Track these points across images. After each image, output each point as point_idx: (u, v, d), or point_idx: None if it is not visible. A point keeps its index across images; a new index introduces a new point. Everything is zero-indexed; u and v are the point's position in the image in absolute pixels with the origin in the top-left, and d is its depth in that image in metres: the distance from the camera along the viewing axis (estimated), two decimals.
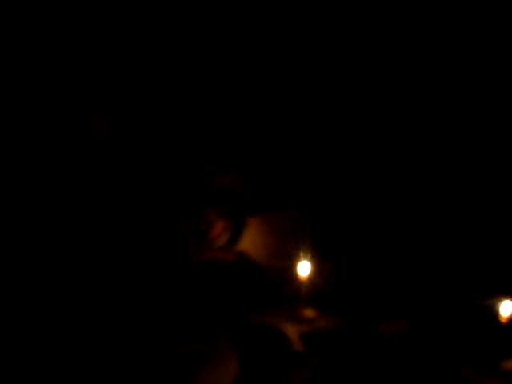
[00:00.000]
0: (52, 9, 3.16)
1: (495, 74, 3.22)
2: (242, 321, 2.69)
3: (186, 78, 3.41)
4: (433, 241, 3.10)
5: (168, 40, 3.38)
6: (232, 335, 2.59)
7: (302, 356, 2.52)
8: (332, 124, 3.47)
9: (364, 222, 3.24)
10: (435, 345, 2.54)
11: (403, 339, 2.57)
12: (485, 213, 3.14)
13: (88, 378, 2.29)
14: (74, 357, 2.38)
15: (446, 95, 3.31)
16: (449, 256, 3.02)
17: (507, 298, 2.53)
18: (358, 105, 3.45)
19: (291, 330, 2.62)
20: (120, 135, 3.25)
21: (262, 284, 2.96)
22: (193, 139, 3.41)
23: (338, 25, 3.40)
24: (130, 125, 3.29)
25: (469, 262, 2.96)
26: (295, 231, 3.19)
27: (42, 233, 2.95)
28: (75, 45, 3.22)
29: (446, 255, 3.02)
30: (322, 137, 3.47)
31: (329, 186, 3.37)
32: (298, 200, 3.32)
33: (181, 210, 3.21)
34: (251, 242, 3.22)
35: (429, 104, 3.35)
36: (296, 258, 2.87)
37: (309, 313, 2.75)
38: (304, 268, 2.82)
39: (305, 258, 2.84)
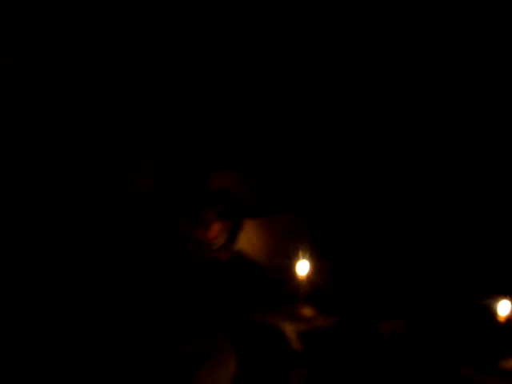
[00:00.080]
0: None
1: (495, 74, 3.23)
2: (241, 320, 2.69)
3: (185, 78, 3.40)
4: (431, 240, 3.11)
5: (167, 38, 3.38)
6: (231, 334, 2.58)
7: (301, 355, 2.51)
8: (331, 124, 3.47)
9: (363, 220, 3.24)
10: (434, 344, 2.54)
11: (402, 338, 2.57)
12: (483, 213, 3.15)
13: (88, 378, 2.28)
14: (74, 356, 2.37)
15: (445, 95, 3.32)
16: (447, 255, 3.02)
17: (505, 298, 2.54)
18: (355, 104, 3.46)
19: (290, 329, 2.62)
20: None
21: (260, 283, 2.96)
22: (191, 140, 3.41)
23: (338, 25, 3.41)
24: (128, 122, 3.29)
25: (467, 262, 2.97)
26: (293, 231, 3.19)
27: (39, 232, 2.94)
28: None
29: (445, 254, 3.03)
30: (321, 136, 3.48)
31: (327, 185, 3.37)
32: (297, 199, 3.32)
33: (178, 210, 3.20)
34: (249, 242, 3.21)
35: (428, 104, 3.36)
36: (294, 258, 2.86)
37: (307, 312, 2.74)
38: (302, 267, 2.82)
39: (303, 257, 2.84)
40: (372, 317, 2.68)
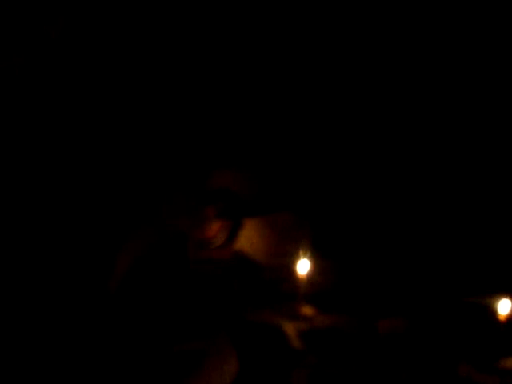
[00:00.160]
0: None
1: (495, 74, 3.23)
2: (242, 319, 2.69)
3: (187, 77, 3.41)
4: (432, 238, 3.11)
5: (168, 38, 3.38)
6: (231, 333, 2.58)
7: (301, 353, 2.52)
8: (332, 123, 3.47)
9: (363, 220, 3.24)
10: (434, 342, 2.55)
11: (402, 337, 2.57)
12: (484, 212, 3.15)
13: (89, 377, 2.28)
14: (75, 356, 2.37)
15: (446, 95, 3.32)
16: (448, 254, 3.03)
17: (505, 297, 2.54)
18: (355, 105, 3.46)
19: (290, 328, 2.63)
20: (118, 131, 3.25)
21: (260, 282, 2.96)
22: (193, 138, 3.41)
23: (338, 25, 3.40)
24: (128, 121, 3.29)
25: (468, 261, 2.97)
26: (294, 230, 3.19)
27: (38, 232, 2.94)
28: None
29: (445, 253, 3.03)
30: (321, 135, 3.48)
31: (328, 184, 3.37)
32: (297, 199, 3.32)
33: (179, 208, 3.20)
34: (249, 241, 3.21)
35: (428, 104, 3.36)
36: (295, 257, 2.86)
37: (308, 311, 2.75)
38: (303, 266, 2.82)
39: (304, 257, 2.84)
40: (372, 315, 2.69)
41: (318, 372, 2.43)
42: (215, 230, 3.22)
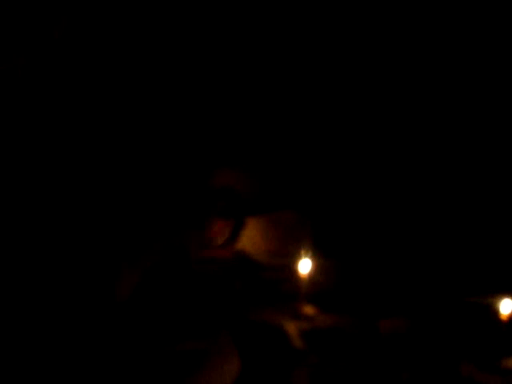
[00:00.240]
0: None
1: (495, 74, 3.22)
2: (243, 318, 2.69)
3: (189, 76, 3.41)
4: (433, 238, 3.11)
5: (171, 37, 3.38)
6: (233, 333, 2.58)
7: (303, 353, 2.52)
8: (334, 122, 3.47)
9: (364, 220, 3.24)
10: (435, 342, 2.54)
11: (403, 337, 2.57)
12: (486, 211, 3.14)
13: (90, 377, 2.28)
14: (75, 355, 2.37)
15: (446, 95, 3.32)
16: (449, 254, 3.02)
17: (507, 297, 2.53)
18: (357, 104, 3.46)
19: (291, 328, 2.62)
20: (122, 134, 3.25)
21: (262, 282, 2.96)
22: (195, 138, 3.41)
23: (339, 25, 3.40)
24: (131, 123, 3.30)
25: (469, 260, 2.97)
26: (296, 229, 3.19)
27: (39, 232, 2.94)
28: None
29: (447, 253, 3.03)
30: (323, 135, 3.48)
31: (329, 184, 3.37)
32: (299, 198, 3.32)
33: (181, 207, 3.21)
34: (251, 240, 3.22)
35: (429, 104, 3.36)
36: (296, 256, 2.86)
37: (309, 310, 2.75)
38: (304, 266, 2.82)
39: (305, 256, 2.84)
40: (374, 315, 2.69)
41: (319, 372, 2.42)
42: (217, 229, 3.23)
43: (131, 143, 3.27)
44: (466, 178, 3.24)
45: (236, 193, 3.28)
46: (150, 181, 3.22)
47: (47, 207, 2.99)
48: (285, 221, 3.23)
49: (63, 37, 3.20)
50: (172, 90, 3.40)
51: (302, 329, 2.62)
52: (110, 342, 2.44)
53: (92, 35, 3.28)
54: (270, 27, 3.43)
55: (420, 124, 3.36)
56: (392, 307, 2.74)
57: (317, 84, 3.48)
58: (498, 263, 2.93)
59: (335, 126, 3.47)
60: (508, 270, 2.86)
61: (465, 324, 2.62)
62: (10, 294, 2.62)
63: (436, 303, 2.75)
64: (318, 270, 2.83)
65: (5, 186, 2.97)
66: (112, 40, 3.31)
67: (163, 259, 2.96)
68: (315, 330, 2.63)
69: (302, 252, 2.84)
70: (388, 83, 3.40)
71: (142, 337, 2.49)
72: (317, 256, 2.86)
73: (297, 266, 2.82)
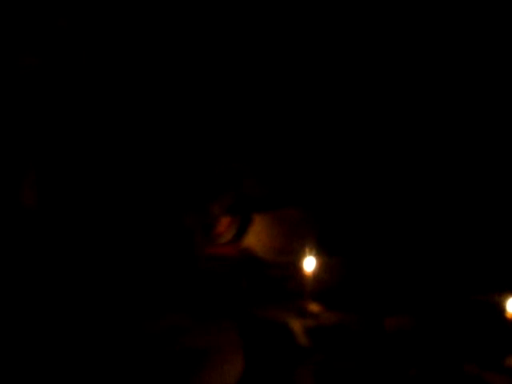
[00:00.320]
0: None
1: (495, 74, 3.21)
2: (248, 315, 2.69)
3: (195, 73, 3.41)
4: (439, 236, 3.10)
5: (176, 36, 3.39)
6: (238, 329, 2.58)
7: (308, 350, 2.52)
8: (339, 122, 3.47)
9: (369, 217, 3.24)
10: (440, 340, 2.53)
11: (408, 334, 2.56)
12: (493, 210, 3.13)
13: (91, 375, 2.28)
14: (76, 352, 2.36)
15: (446, 95, 3.31)
16: (455, 252, 3.01)
17: None
18: (363, 103, 3.45)
19: (297, 325, 2.63)
20: (122, 128, 3.26)
21: (267, 279, 2.96)
22: (201, 134, 3.41)
23: (340, 24, 3.40)
24: (134, 118, 3.30)
25: (476, 258, 2.95)
26: (301, 227, 3.19)
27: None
28: None
29: (453, 251, 3.02)
30: (328, 134, 3.47)
31: (335, 181, 3.37)
32: (304, 196, 3.32)
33: (187, 204, 3.21)
34: (256, 237, 3.22)
35: (431, 103, 3.35)
36: (301, 254, 2.86)
37: (314, 308, 2.75)
38: (309, 263, 2.82)
39: (310, 254, 2.84)
40: (379, 313, 2.69)
41: (324, 369, 2.42)
42: (223, 226, 3.23)
43: (138, 143, 3.28)
44: (475, 175, 3.23)
45: (242, 189, 3.28)
46: (155, 177, 3.23)
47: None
48: (290, 218, 3.23)
49: (68, 30, 3.20)
50: (179, 88, 3.40)
51: (307, 326, 2.63)
52: (113, 339, 2.44)
53: (92, 35, 3.29)
54: (275, 26, 3.43)
55: (424, 123, 3.35)
56: (397, 305, 2.74)
57: (323, 82, 3.48)
58: (504, 261, 2.92)
59: (341, 123, 3.47)
60: None
61: (470, 322, 2.61)
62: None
63: (441, 301, 2.74)
64: (322, 267, 2.83)
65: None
66: (114, 39, 3.32)
67: (169, 256, 2.96)
68: (320, 327, 2.63)
69: (307, 249, 2.84)
70: (392, 81, 3.39)
71: (145, 334, 2.49)
72: (322, 253, 2.86)
73: (302, 264, 2.82)
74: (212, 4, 3.38)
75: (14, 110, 3.11)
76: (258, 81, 3.45)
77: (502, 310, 2.52)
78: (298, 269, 2.84)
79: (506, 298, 2.52)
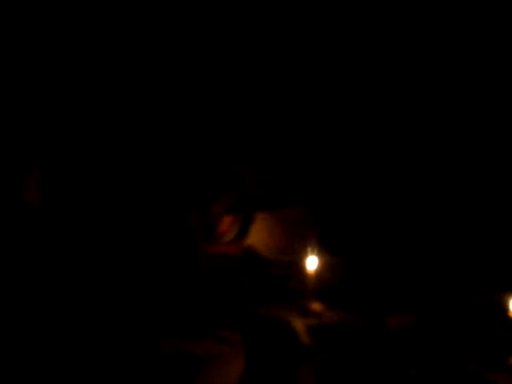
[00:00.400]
0: None
1: (495, 75, 3.21)
2: (250, 314, 2.69)
3: (196, 72, 3.42)
4: (442, 235, 3.09)
5: (177, 35, 3.40)
6: (240, 329, 2.59)
7: (310, 349, 2.52)
8: (340, 121, 3.47)
9: (371, 217, 3.23)
10: (443, 340, 2.53)
11: (410, 333, 2.56)
12: (496, 209, 3.12)
13: (91, 377, 2.28)
14: (75, 354, 2.36)
15: (446, 95, 3.31)
16: (458, 250, 3.00)
17: None
18: (364, 103, 3.45)
19: (299, 324, 2.62)
20: (126, 129, 3.27)
21: (269, 278, 2.97)
22: (202, 134, 3.42)
23: (340, 24, 3.40)
24: (137, 118, 3.31)
25: (478, 257, 2.95)
26: (303, 226, 3.19)
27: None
28: None
29: (456, 249, 3.01)
30: (331, 133, 3.47)
31: (337, 180, 3.37)
32: (306, 195, 3.32)
33: (189, 202, 3.21)
34: (259, 236, 3.22)
35: (431, 104, 3.35)
36: (304, 253, 2.86)
37: (316, 307, 2.75)
38: (312, 262, 2.82)
39: (312, 253, 2.84)
40: (381, 312, 2.68)
41: (326, 368, 2.42)
42: (226, 225, 3.23)
43: (141, 143, 3.29)
44: (477, 175, 3.23)
45: (244, 188, 3.29)
46: (157, 176, 3.24)
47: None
48: (292, 217, 3.23)
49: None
50: (180, 86, 3.41)
51: (309, 325, 2.62)
52: (111, 341, 2.44)
53: (93, 35, 3.30)
54: (275, 26, 3.43)
55: (424, 123, 3.35)
56: (399, 304, 2.73)
57: (325, 81, 3.48)
58: (507, 260, 2.91)
59: (344, 123, 3.47)
60: None
61: (473, 321, 2.60)
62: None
63: (444, 300, 2.74)
64: (325, 266, 2.83)
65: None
66: (114, 39, 3.33)
67: (171, 255, 2.97)
68: (322, 326, 2.63)
69: (309, 249, 2.84)
70: (393, 81, 3.39)
71: (146, 335, 2.48)
72: (324, 253, 2.86)
73: (304, 263, 2.82)
74: (212, 4, 3.39)
75: (19, 110, 3.12)
76: (259, 81, 3.45)
77: (505, 309, 2.52)
78: (300, 268, 2.84)
79: (509, 297, 2.52)
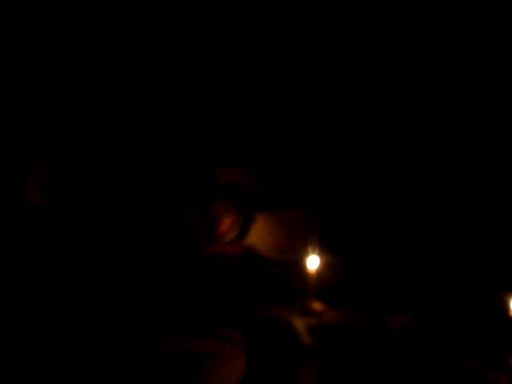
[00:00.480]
0: None
1: (495, 75, 3.21)
2: (251, 314, 2.69)
3: (197, 72, 3.43)
4: (443, 234, 3.10)
5: (175, 35, 3.40)
6: (241, 328, 2.58)
7: (311, 349, 2.51)
8: (341, 121, 3.47)
9: (372, 216, 3.23)
10: (444, 339, 2.53)
11: (411, 333, 2.56)
12: (497, 208, 3.13)
13: (92, 376, 2.27)
14: (76, 353, 2.36)
15: (446, 95, 3.31)
16: (459, 250, 3.00)
17: None
18: (364, 103, 3.46)
19: (300, 324, 2.62)
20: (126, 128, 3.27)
21: (270, 278, 2.97)
22: (203, 134, 3.43)
23: (340, 24, 3.41)
24: (138, 120, 3.32)
25: (479, 257, 2.95)
26: (304, 225, 3.19)
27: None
28: None
29: (457, 249, 3.01)
30: (332, 133, 3.48)
31: (337, 180, 3.37)
32: (307, 194, 3.32)
33: (190, 202, 3.22)
34: (260, 236, 3.23)
35: (431, 104, 3.35)
36: (304, 253, 2.86)
37: (317, 306, 2.74)
38: (312, 262, 2.82)
39: (313, 252, 2.84)
40: (382, 311, 2.68)
41: (327, 368, 2.42)
42: (226, 225, 3.23)
43: (142, 143, 3.30)
44: (478, 175, 3.23)
45: (245, 189, 3.29)
46: (158, 176, 3.24)
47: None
48: (293, 217, 3.23)
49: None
50: (179, 86, 3.42)
51: (310, 325, 2.62)
52: (112, 340, 2.43)
53: (93, 35, 3.31)
54: (274, 26, 3.44)
55: (424, 123, 3.35)
56: (400, 303, 2.73)
57: (326, 82, 3.48)
58: (508, 260, 2.91)
59: (344, 123, 3.47)
60: None
61: (474, 321, 2.60)
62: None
63: (445, 299, 2.74)
64: (326, 266, 2.83)
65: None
66: (114, 40, 3.33)
67: (172, 254, 2.97)
68: (323, 326, 2.63)
69: (310, 248, 2.84)
70: (393, 82, 3.40)
71: (147, 334, 2.48)
72: (325, 252, 2.86)
73: (305, 263, 2.82)
74: (212, 4, 3.39)
75: (21, 110, 3.12)
76: (259, 81, 3.46)
77: (506, 308, 2.52)
78: (301, 267, 2.84)
79: (510, 297, 2.52)
